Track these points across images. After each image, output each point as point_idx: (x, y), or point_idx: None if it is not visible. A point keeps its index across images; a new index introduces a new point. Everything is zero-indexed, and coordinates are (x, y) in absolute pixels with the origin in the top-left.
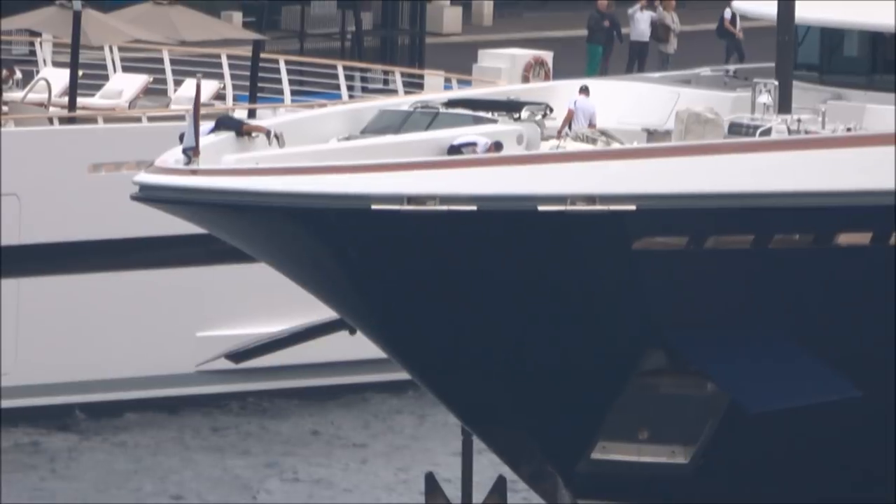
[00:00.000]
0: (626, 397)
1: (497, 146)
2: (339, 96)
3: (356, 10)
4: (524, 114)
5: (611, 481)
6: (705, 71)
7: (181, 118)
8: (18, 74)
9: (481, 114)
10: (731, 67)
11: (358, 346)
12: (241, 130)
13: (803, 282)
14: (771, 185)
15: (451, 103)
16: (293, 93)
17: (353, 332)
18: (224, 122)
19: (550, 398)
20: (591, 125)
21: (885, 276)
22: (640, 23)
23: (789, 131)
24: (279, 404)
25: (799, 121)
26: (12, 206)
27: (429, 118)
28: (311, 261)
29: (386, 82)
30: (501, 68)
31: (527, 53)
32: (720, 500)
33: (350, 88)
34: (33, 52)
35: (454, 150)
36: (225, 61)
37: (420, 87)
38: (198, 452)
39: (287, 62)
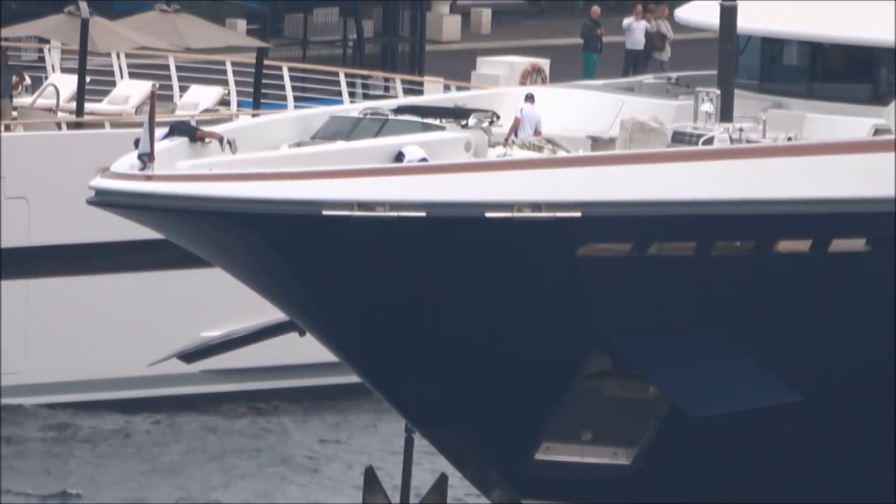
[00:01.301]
0: (570, 400)
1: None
2: (340, 102)
3: (357, 19)
4: (471, 121)
5: (554, 481)
6: (648, 79)
7: (186, 123)
8: (27, 80)
9: (430, 121)
10: (674, 75)
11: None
12: (195, 136)
13: (745, 287)
14: (713, 194)
15: (401, 110)
16: (296, 99)
17: (302, 333)
18: (178, 128)
19: (496, 399)
20: (537, 133)
21: (825, 282)
22: (636, 32)
23: (731, 140)
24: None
25: (741, 129)
26: (21, 209)
27: (378, 125)
28: (263, 265)
29: (387, 89)
30: (499, 75)
31: (524, 61)
32: (660, 501)
33: (351, 95)
34: (42, 59)
35: (399, 157)
36: (229, 68)
37: (420, 93)
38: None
39: (290, 69)
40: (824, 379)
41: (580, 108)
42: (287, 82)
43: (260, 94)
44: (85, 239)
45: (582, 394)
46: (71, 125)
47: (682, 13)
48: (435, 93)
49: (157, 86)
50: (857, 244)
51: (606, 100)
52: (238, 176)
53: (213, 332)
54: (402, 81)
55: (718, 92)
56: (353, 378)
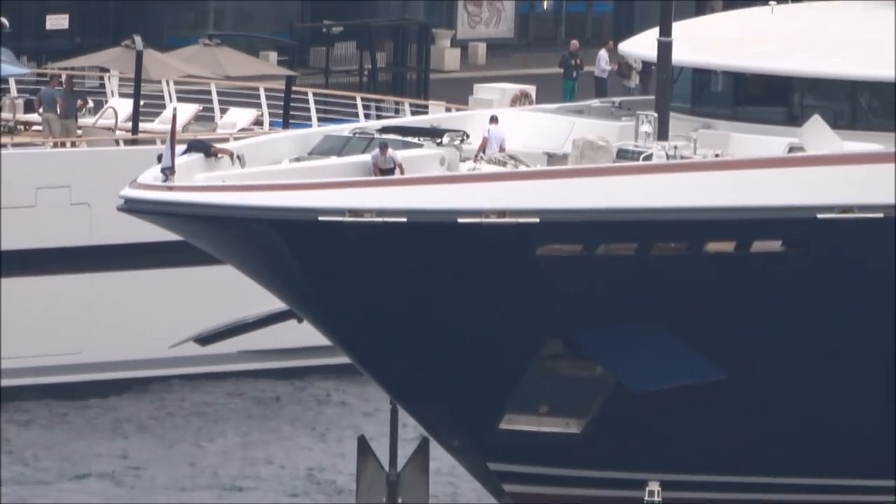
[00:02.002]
0: (529, 378)
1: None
2: (357, 121)
3: (372, 51)
4: (445, 139)
5: (515, 448)
6: (595, 103)
7: (225, 139)
8: (90, 104)
9: (409, 139)
10: (617, 100)
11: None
12: (209, 152)
13: (679, 282)
14: (653, 202)
15: (384, 130)
16: (319, 119)
17: (300, 321)
18: (195, 146)
19: (465, 378)
20: (502, 149)
21: (747, 278)
22: (601, 62)
23: (667, 156)
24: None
25: (675, 147)
26: (84, 213)
27: (365, 143)
28: (267, 263)
29: (397, 111)
30: (493, 99)
31: (514, 87)
32: (606, 465)
33: (367, 116)
34: (103, 85)
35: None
36: (262, 93)
37: (426, 114)
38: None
39: (314, 94)
40: (748, 360)
41: (538, 129)
42: (312, 105)
43: (288, 115)
44: (139, 239)
45: (539, 373)
46: (127, 142)
47: (624, 47)
48: (438, 113)
49: (201, 108)
50: (775, 245)
51: (560, 121)
52: (246, 187)
53: (225, 319)
54: (410, 105)
55: (656, 115)
56: (345, 359)
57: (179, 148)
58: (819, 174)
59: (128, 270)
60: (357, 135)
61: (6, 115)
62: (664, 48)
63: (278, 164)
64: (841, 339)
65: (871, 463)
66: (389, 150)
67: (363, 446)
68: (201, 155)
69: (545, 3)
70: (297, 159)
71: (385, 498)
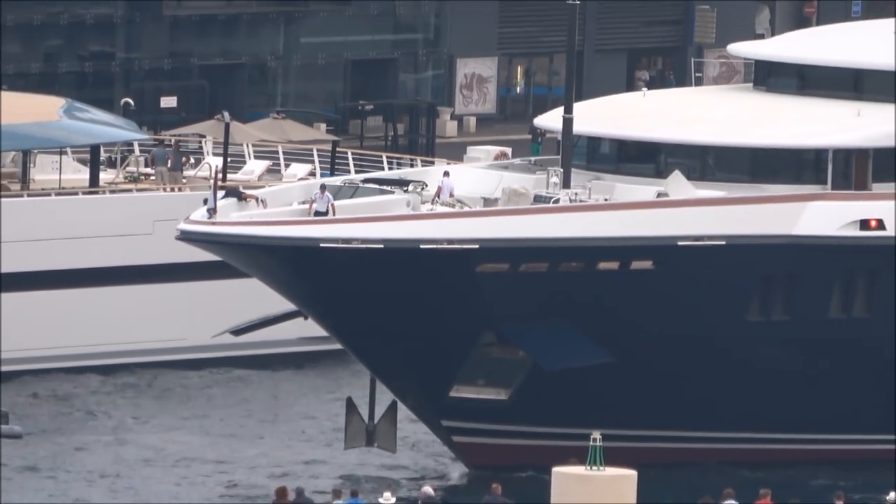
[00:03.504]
0: (471, 360)
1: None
2: (382, 170)
3: (394, 123)
4: (410, 187)
5: (461, 409)
6: (517, 161)
7: (256, 187)
8: (192, 160)
9: (384, 187)
10: (533, 159)
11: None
12: (241, 197)
13: (579, 290)
14: (560, 234)
15: (366, 181)
16: (356, 171)
17: (306, 318)
18: (231, 192)
19: (425, 359)
20: (452, 195)
21: (628, 287)
22: None
23: (570, 200)
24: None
25: (576, 193)
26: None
27: (353, 190)
28: (282, 277)
29: (411, 165)
30: (480, 157)
31: (496, 149)
32: (525, 423)
33: (389, 168)
34: (201, 147)
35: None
36: (315, 153)
37: (426, 168)
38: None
39: (352, 153)
40: (628, 345)
41: (477, 180)
42: (350, 161)
43: (334, 168)
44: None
45: (479, 356)
46: (218, 188)
47: (538, 121)
48: (441, 168)
49: (271, 163)
50: (647, 264)
51: (492, 175)
52: (267, 222)
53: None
54: (421, 161)
55: (561, 170)
56: (338, 346)
57: (220, 194)
58: (678, 213)
59: (219, 280)
60: (347, 184)
61: (131, 168)
62: (567, 122)
63: (290, 206)
64: (695, 330)
65: (716, 416)
66: (326, 193)
67: (350, 405)
68: (235, 199)
69: (518, 88)
70: (304, 202)
71: (364, 442)
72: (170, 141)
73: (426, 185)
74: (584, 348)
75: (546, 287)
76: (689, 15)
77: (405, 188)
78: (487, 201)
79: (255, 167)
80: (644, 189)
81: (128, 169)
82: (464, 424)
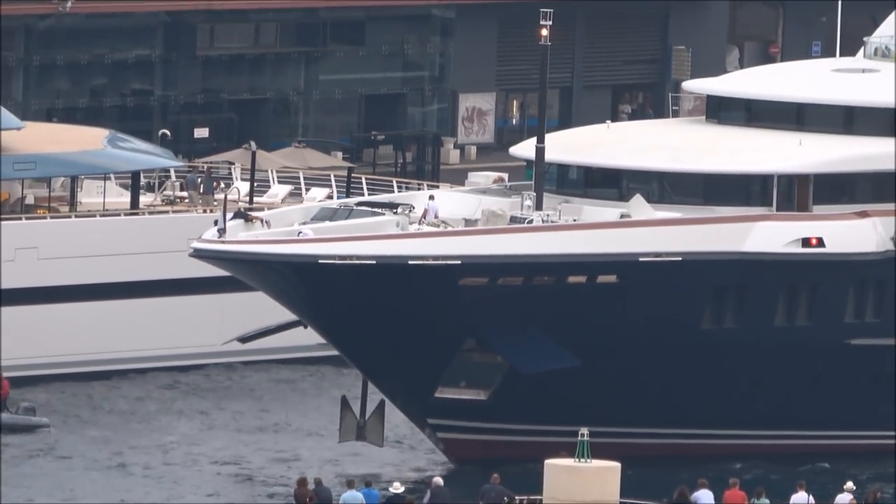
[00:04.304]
0: (454, 364)
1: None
2: (394, 192)
3: (402, 151)
4: (399, 209)
5: (445, 408)
6: (494, 186)
7: (260, 209)
8: (222, 185)
9: (376, 210)
10: (509, 184)
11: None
12: (247, 219)
13: (551, 302)
14: (534, 251)
15: (360, 204)
16: (369, 194)
17: (305, 327)
18: (238, 214)
19: (411, 363)
20: (436, 217)
21: (595, 299)
22: None
23: (542, 221)
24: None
25: (548, 215)
26: None
27: (347, 212)
28: (283, 289)
29: (418, 188)
30: (480, 182)
31: (494, 174)
32: (501, 421)
33: (399, 191)
34: (230, 173)
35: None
36: (332, 178)
37: (432, 190)
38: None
39: (366, 179)
40: (595, 351)
41: (459, 203)
42: (364, 186)
43: (349, 192)
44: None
45: (461, 361)
46: (246, 209)
47: (514, 150)
48: (446, 192)
49: (292, 188)
50: (612, 278)
51: (472, 198)
52: (271, 241)
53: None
54: (427, 185)
55: (535, 193)
56: (334, 352)
57: (229, 215)
58: (639, 232)
59: (245, 292)
60: (342, 207)
61: (168, 192)
62: (539, 151)
63: (291, 227)
64: (654, 337)
65: (674, 415)
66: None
67: (344, 402)
68: (242, 220)
69: (514, 120)
70: (304, 223)
71: (355, 437)
72: (202, 167)
73: (413, 208)
74: (556, 354)
75: (521, 298)
76: (666, 54)
77: (394, 210)
78: (468, 222)
79: (278, 191)
80: (608, 211)
81: (165, 193)
82: (448, 422)
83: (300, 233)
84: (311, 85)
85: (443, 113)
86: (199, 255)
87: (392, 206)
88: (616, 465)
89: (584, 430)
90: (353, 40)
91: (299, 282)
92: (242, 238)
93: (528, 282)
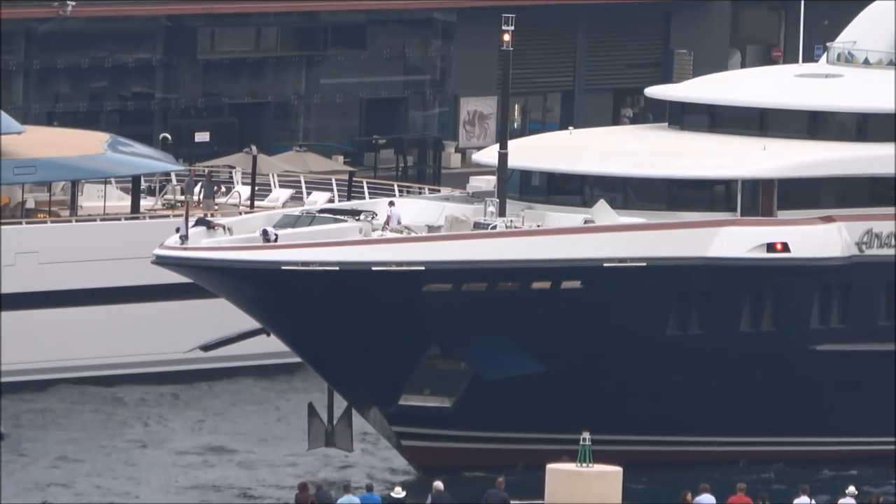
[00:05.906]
0: (418, 371)
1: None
2: (395, 196)
3: (404, 155)
4: (362, 216)
5: (410, 416)
6: (457, 192)
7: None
8: (223, 189)
9: (339, 216)
10: (471, 191)
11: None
12: (210, 226)
13: (515, 307)
14: (497, 256)
15: (322, 210)
16: (370, 198)
17: (268, 335)
18: (201, 221)
19: (376, 371)
20: (399, 223)
21: (559, 304)
22: None
23: (506, 227)
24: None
25: (511, 221)
26: None
27: (310, 219)
28: (245, 297)
29: (420, 192)
30: (482, 186)
31: (495, 177)
32: (467, 428)
33: (401, 195)
34: (231, 177)
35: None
36: (333, 182)
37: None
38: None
39: (367, 182)
40: (560, 357)
41: (422, 209)
42: (366, 190)
43: (351, 195)
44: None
45: (425, 368)
46: (246, 212)
47: (476, 156)
48: (447, 194)
49: (294, 191)
50: (576, 284)
51: (435, 205)
52: (233, 248)
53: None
54: (429, 189)
55: (497, 199)
56: (297, 359)
57: (191, 222)
58: (603, 238)
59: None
60: (304, 213)
61: (169, 196)
62: (502, 157)
63: (253, 233)
64: (619, 343)
65: (638, 420)
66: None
67: (311, 409)
68: (204, 227)
69: (515, 124)
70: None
71: (324, 443)
72: (203, 171)
73: (376, 215)
74: (520, 360)
75: (485, 305)
76: (668, 58)
77: (357, 217)
78: (431, 228)
79: (280, 195)
80: (572, 217)
81: (165, 197)
82: (411, 430)
83: (265, 232)
84: (312, 89)
85: (444, 117)
86: (161, 262)
87: (354, 213)
88: (618, 469)
89: (587, 435)
90: (354, 44)
91: (262, 289)
92: (205, 245)
93: (492, 288)
